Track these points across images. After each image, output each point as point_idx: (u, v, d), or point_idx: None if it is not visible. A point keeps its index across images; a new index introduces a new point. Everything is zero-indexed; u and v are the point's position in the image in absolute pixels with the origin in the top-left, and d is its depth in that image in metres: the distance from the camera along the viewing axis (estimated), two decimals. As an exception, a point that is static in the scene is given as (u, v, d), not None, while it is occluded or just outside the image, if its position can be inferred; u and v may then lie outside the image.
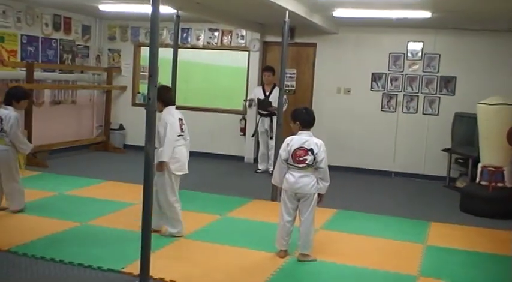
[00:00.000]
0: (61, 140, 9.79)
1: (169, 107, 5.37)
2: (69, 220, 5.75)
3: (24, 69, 8.76)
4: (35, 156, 8.76)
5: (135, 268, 4.34)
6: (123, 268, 4.47)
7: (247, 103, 9.39)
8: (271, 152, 8.68)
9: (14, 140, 5.76)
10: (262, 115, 9.12)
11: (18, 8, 8.83)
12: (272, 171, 8.11)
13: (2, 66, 8.51)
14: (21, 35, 8.95)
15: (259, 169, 9.23)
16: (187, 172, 5.49)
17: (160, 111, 5.18)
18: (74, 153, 9.99)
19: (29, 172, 7.95)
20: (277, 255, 5.00)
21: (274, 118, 8.30)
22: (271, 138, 8.85)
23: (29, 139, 8.57)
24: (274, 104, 8.33)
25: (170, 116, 5.29)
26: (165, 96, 5.34)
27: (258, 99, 9.11)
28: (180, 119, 5.43)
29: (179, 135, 5.39)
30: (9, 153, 5.80)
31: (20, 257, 4.63)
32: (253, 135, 9.41)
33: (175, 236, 5.33)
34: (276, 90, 8.31)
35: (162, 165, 5.22)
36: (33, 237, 5.09)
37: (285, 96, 8.89)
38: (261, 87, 9.21)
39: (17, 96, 5.92)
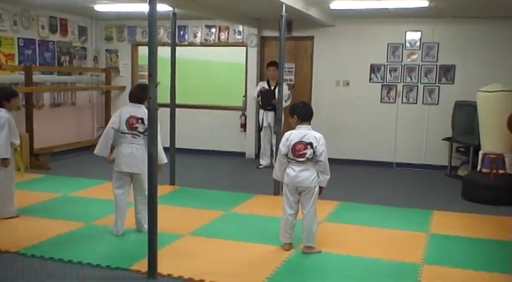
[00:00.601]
0: (62, 142, 9.82)
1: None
2: (75, 221, 5.78)
3: (23, 72, 8.78)
4: (37, 158, 8.80)
5: (142, 265, 4.38)
6: (131, 266, 4.50)
7: (257, 94, 9.20)
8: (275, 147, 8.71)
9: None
10: (266, 109, 9.09)
11: (14, 11, 8.84)
12: None
13: (0, 70, 8.52)
14: (18, 38, 8.97)
15: (261, 164, 9.24)
16: (123, 170, 5.34)
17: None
18: (76, 154, 10.01)
19: (31, 175, 8.00)
20: (282, 248, 5.03)
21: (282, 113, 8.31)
22: (275, 132, 8.85)
23: (31, 142, 8.65)
24: (284, 103, 8.32)
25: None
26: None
27: (262, 92, 9.09)
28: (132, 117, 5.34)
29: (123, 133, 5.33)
30: None
31: (28, 259, 4.66)
32: (260, 130, 9.33)
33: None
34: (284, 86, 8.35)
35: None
36: (40, 239, 5.12)
37: (289, 91, 8.97)
38: (265, 82, 9.20)
39: (6, 95, 5.83)
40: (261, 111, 9.25)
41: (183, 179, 7.76)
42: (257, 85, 9.44)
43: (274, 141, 8.77)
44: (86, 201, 6.69)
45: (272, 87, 8.96)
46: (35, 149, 8.82)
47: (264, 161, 9.25)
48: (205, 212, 6.30)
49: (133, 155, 5.27)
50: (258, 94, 9.18)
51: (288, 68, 9.71)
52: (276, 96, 8.42)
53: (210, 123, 10.44)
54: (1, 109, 5.74)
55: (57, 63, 9.86)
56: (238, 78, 10.44)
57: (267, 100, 9.00)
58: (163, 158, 5.38)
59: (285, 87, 8.66)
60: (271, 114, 8.98)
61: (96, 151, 5.42)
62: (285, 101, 8.45)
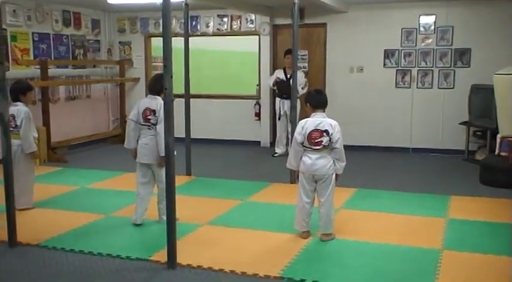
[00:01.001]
0: (78, 135, 9.90)
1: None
2: (94, 212, 5.84)
3: (38, 67, 8.84)
4: (55, 152, 8.88)
5: (162, 256, 4.43)
6: (150, 256, 4.55)
7: (273, 83, 9.18)
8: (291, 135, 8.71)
9: (21, 136, 5.79)
10: (282, 98, 9.04)
11: (28, 6, 8.89)
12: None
13: (16, 65, 8.59)
14: (33, 33, 9.03)
15: (276, 153, 9.23)
16: (140, 161, 5.43)
17: None
18: (92, 147, 10.09)
19: (49, 168, 8.09)
20: (300, 236, 5.04)
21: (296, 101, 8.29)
22: (291, 121, 8.83)
23: (48, 135, 8.72)
24: (301, 91, 8.37)
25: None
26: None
27: (277, 83, 9.05)
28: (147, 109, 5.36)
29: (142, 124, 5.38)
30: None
31: (50, 251, 4.72)
32: (279, 119, 9.23)
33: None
34: (298, 73, 8.23)
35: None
36: (60, 231, 5.18)
37: (305, 79, 8.94)
38: (282, 70, 9.14)
39: (22, 89, 5.99)
40: (277, 99, 9.22)
41: (199, 169, 7.79)
42: (273, 73, 9.39)
43: (290, 130, 8.78)
44: (104, 193, 6.75)
45: (289, 76, 8.88)
46: (52, 142, 8.90)
47: (279, 149, 9.24)
48: (222, 202, 6.33)
49: (147, 146, 5.31)
50: (273, 84, 9.16)
51: (301, 56, 9.67)
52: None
53: (224, 112, 10.45)
54: (18, 103, 5.85)
55: (71, 57, 9.92)
56: (252, 67, 10.42)
57: (282, 89, 8.96)
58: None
59: (301, 74, 8.65)
60: (287, 102, 8.87)
61: (125, 144, 5.52)
62: (302, 88, 8.44)
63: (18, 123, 5.77)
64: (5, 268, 4.38)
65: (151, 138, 5.29)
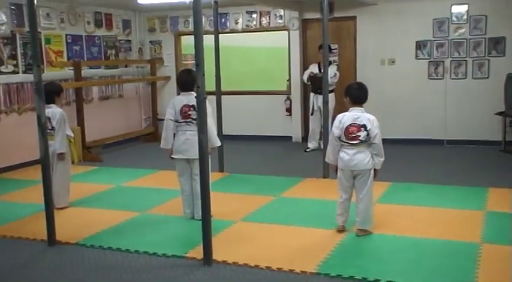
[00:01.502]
0: (112, 134, 10.02)
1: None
2: (129, 210, 5.91)
3: (72, 68, 8.97)
4: (90, 151, 9.01)
5: (198, 253, 4.45)
6: (186, 253, 4.58)
7: (307, 78, 9.12)
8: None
9: (56, 137, 5.89)
10: (316, 93, 8.93)
11: (61, 9, 9.03)
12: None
13: (51, 67, 8.74)
14: (66, 35, 9.17)
15: (309, 148, 9.19)
16: (181, 157, 5.48)
17: None
18: (125, 145, 10.21)
19: (84, 167, 8.21)
20: (336, 230, 5.02)
21: (330, 95, 8.11)
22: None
23: (82, 135, 8.86)
24: (331, 80, 8.26)
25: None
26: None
27: (311, 78, 8.98)
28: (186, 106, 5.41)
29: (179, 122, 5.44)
30: None
31: (88, 249, 4.80)
32: (312, 114, 9.17)
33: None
34: (331, 68, 8.22)
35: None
36: (98, 229, 5.26)
37: (336, 72, 8.84)
38: (316, 65, 9.02)
39: (56, 90, 6.08)
40: (311, 94, 9.14)
41: (232, 166, 7.82)
42: (307, 68, 9.29)
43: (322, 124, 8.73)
44: (139, 191, 6.82)
45: (323, 70, 8.82)
46: (86, 141, 9.03)
47: (312, 144, 9.20)
48: (255, 198, 6.33)
49: (188, 141, 5.35)
50: (307, 79, 9.12)
51: (331, 50, 9.59)
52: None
53: (255, 108, 10.45)
54: (52, 105, 5.93)
55: (103, 57, 10.05)
56: (282, 62, 10.40)
57: (316, 84, 8.81)
58: (216, 141, 5.45)
59: (333, 68, 8.56)
60: (321, 97, 8.66)
61: (162, 145, 5.56)
62: (331, 78, 8.28)
63: (54, 124, 5.87)
64: (45, 266, 4.46)
65: (193, 133, 5.29)
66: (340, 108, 5.04)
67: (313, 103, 9.10)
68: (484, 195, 6.16)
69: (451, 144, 9.28)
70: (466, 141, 9.18)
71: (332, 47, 9.49)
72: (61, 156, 5.95)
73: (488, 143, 8.96)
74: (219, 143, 5.62)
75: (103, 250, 4.75)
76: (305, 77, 9.19)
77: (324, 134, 7.04)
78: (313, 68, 9.07)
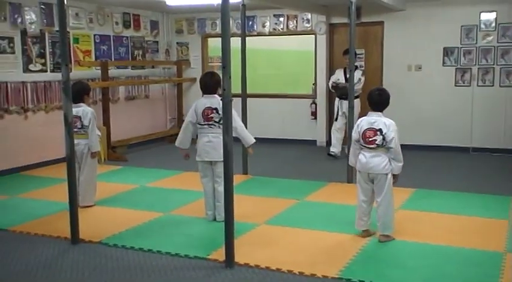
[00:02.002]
0: (137, 134, 10.12)
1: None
2: (153, 211, 5.95)
3: (99, 68, 9.08)
4: (115, 151, 9.10)
5: (220, 255, 4.47)
6: (208, 255, 4.60)
7: (331, 86, 9.07)
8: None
9: (89, 135, 5.99)
10: (341, 98, 8.86)
11: (90, 9, 9.15)
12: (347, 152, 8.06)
13: (79, 66, 8.86)
14: (94, 35, 9.29)
15: (333, 152, 9.12)
16: (204, 159, 5.49)
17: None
18: (150, 146, 10.29)
19: (110, 166, 8.30)
20: (360, 236, 5.00)
21: (355, 101, 7.96)
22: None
23: (108, 135, 8.96)
24: (355, 86, 8.07)
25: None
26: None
27: (334, 87, 8.95)
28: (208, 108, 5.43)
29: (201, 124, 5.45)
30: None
31: (111, 248, 4.84)
32: (336, 119, 9.06)
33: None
34: (356, 73, 8.15)
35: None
36: (121, 229, 5.31)
37: (360, 76, 8.67)
38: (342, 70, 8.96)
39: (86, 90, 6.18)
40: (336, 99, 9.07)
41: (256, 168, 7.83)
42: (334, 73, 9.22)
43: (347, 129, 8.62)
44: (163, 192, 6.87)
45: (348, 75, 8.66)
46: (112, 141, 9.12)
47: (335, 149, 9.11)
48: (279, 201, 6.34)
49: (211, 143, 5.38)
50: (331, 86, 9.06)
51: (358, 54, 9.56)
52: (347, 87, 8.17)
53: (281, 112, 10.47)
54: (82, 104, 6.01)
55: (131, 58, 10.16)
56: (308, 66, 10.39)
57: (340, 92, 8.79)
58: (251, 139, 5.53)
59: (358, 73, 8.48)
60: (346, 103, 8.58)
61: (177, 143, 5.62)
62: (355, 83, 8.20)
63: (86, 123, 5.95)
64: (68, 264, 4.51)
65: (215, 135, 5.35)
66: (366, 114, 5.03)
67: (338, 108, 9.03)
68: (508, 204, 6.08)
69: (477, 151, 9.18)
70: (492, 150, 9.08)
71: (358, 52, 9.44)
72: (94, 154, 6.07)
73: (515, 152, 8.85)
74: (253, 140, 5.58)
75: (126, 250, 4.80)
76: (330, 82, 9.13)
77: (349, 139, 6.98)
78: (339, 73, 9.02)
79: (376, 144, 4.78)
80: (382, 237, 4.92)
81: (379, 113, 4.89)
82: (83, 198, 5.96)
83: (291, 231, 5.27)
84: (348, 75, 8.60)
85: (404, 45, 9.47)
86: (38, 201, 6.43)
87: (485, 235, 5.09)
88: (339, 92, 8.85)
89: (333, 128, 9.18)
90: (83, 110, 5.97)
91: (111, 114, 9.18)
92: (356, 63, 8.33)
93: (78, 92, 5.96)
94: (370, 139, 4.79)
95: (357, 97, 8.38)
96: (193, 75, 11.06)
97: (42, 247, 4.91)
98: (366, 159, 4.85)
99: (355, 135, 4.92)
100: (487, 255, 4.57)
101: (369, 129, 4.81)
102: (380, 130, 4.76)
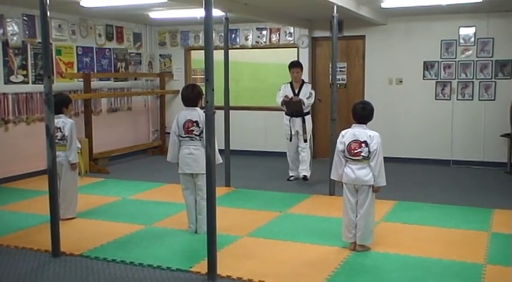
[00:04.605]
0: (120, 146, 10.07)
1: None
2: (135, 223, 5.93)
3: (82, 79, 9.06)
4: (96, 163, 9.05)
5: (202, 267, 4.47)
6: (191, 267, 4.59)
7: (281, 102, 8.02)
8: (305, 154, 7.95)
9: (68, 147, 5.95)
10: (292, 116, 8.00)
11: (73, 21, 9.13)
12: (304, 175, 7.92)
13: (61, 78, 8.82)
14: (77, 47, 9.27)
15: (292, 176, 8.27)
16: (185, 172, 5.49)
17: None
18: (133, 158, 10.26)
19: (91, 178, 8.24)
20: (348, 248, 5.03)
21: (307, 118, 7.92)
22: (305, 140, 7.94)
23: (90, 147, 8.91)
24: (307, 102, 7.85)
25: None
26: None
27: (285, 102, 7.96)
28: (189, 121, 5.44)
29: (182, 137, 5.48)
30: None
31: (92, 261, 4.81)
32: (290, 140, 8.10)
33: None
34: (305, 87, 7.91)
35: None
36: (102, 241, 5.28)
37: (311, 90, 8.03)
38: (288, 84, 8.13)
39: (65, 102, 6.13)
40: (286, 118, 8.10)
41: (238, 181, 7.84)
42: (280, 89, 8.18)
43: (302, 148, 7.99)
44: (145, 204, 6.84)
45: (296, 90, 8.00)
46: (94, 153, 9.07)
47: (294, 172, 8.26)
48: (261, 213, 6.35)
49: (193, 156, 5.39)
50: (281, 103, 8.02)
51: (339, 68, 9.65)
52: (302, 101, 7.78)
53: (263, 124, 10.50)
54: (61, 115, 5.98)
55: (113, 70, 10.14)
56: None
57: (292, 108, 7.97)
58: (218, 158, 5.46)
59: (308, 86, 8.07)
60: (298, 121, 7.99)
61: (168, 158, 5.63)
62: (307, 99, 7.86)
63: (66, 134, 5.91)
64: (49, 277, 4.47)
65: (195, 148, 5.38)
66: (347, 125, 5.09)
67: (290, 127, 8.07)
68: (489, 216, 6.16)
69: (457, 164, 9.28)
70: (472, 162, 9.19)
71: (339, 66, 9.48)
72: (74, 166, 6.03)
73: (494, 165, 8.97)
74: (220, 160, 5.39)
75: (107, 262, 4.77)
76: (279, 100, 8.07)
77: (332, 152, 6.82)
78: (285, 88, 8.12)
79: (362, 156, 4.83)
80: (359, 247, 4.97)
81: (363, 125, 4.95)
82: (64, 211, 5.92)
83: (274, 243, 5.28)
84: (296, 90, 8.01)
85: (386, 58, 9.59)
86: (17, 214, 6.37)
87: (466, 247, 5.14)
88: (290, 108, 7.99)
89: (287, 152, 8.25)
90: (63, 121, 5.95)
91: (94, 126, 9.14)
92: (303, 78, 8.18)
93: (57, 104, 5.90)
94: (356, 151, 4.85)
95: (307, 113, 8.03)
96: (176, 87, 11.05)
97: (22, 260, 4.86)
98: (352, 171, 4.89)
99: (340, 146, 4.95)
100: (467, 266, 4.62)
101: (353, 141, 4.87)
102: (365, 142, 4.83)
